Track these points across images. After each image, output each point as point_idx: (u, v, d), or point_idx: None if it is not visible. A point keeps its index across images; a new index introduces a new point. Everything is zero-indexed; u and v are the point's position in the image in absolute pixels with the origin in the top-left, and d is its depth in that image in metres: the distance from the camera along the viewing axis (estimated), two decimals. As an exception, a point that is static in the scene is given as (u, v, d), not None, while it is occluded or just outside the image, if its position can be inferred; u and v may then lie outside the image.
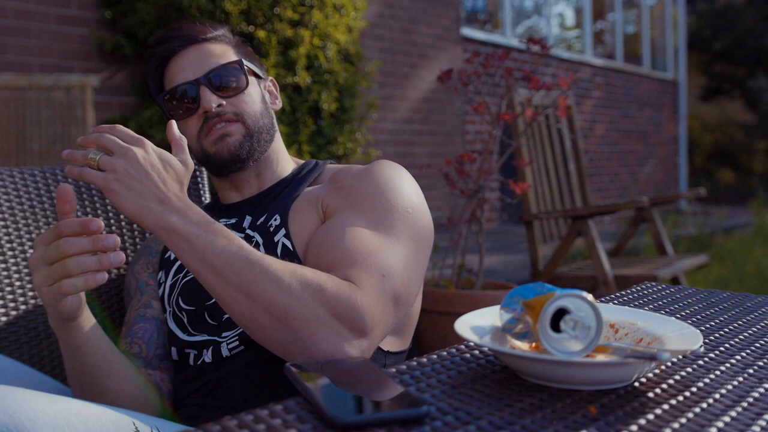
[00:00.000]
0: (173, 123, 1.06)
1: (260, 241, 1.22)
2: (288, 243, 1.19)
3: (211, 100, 1.23)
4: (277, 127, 1.35)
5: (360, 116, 4.55)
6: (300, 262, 1.16)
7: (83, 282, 0.95)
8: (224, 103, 1.24)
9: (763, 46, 13.82)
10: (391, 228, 1.13)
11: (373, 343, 1.03)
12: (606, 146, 9.08)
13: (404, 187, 1.20)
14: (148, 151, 1.00)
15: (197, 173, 1.63)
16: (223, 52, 1.29)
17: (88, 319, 1.07)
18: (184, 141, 1.06)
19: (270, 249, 1.20)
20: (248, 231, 1.25)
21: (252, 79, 1.30)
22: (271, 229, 1.22)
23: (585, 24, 9.10)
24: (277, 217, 1.22)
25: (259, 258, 1.00)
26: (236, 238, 1.02)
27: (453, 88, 2.94)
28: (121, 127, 1.02)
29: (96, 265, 0.95)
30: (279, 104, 1.38)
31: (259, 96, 1.31)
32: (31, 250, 1.43)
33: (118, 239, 0.96)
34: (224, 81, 1.26)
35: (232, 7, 3.77)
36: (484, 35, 7.36)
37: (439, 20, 6.70)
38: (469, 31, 7.08)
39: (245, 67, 1.29)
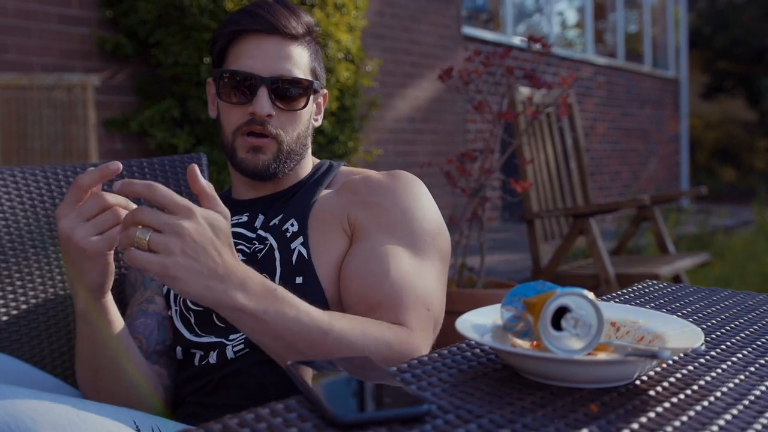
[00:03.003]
0: (196, 172, 0.91)
1: (275, 245, 1.20)
2: (304, 252, 1.18)
3: (264, 107, 1.20)
4: (309, 144, 1.31)
5: (361, 115, 4.55)
6: (313, 270, 1.16)
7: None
8: (273, 114, 1.21)
9: (764, 45, 13.80)
10: (426, 253, 1.15)
11: None
12: (607, 145, 9.08)
13: (429, 206, 1.22)
14: (199, 222, 0.88)
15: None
16: (300, 59, 1.24)
17: (111, 300, 1.07)
18: (212, 188, 0.93)
19: (285, 255, 1.19)
20: (260, 231, 1.24)
21: (310, 99, 1.27)
22: (288, 234, 1.21)
23: (586, 22, 9.09)
24: (294, 222, 1.21)
25: (329, 323, 0.97)
26: (301, 303, 0.97)
27: (454, 87, 2.94)
28: (161, 187, 0.88)
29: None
30: (320, 120, 1.35)
31: (308, 116, 1.28)
32: (32, 250, 1.43)
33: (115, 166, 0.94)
34: (286, 93, 1.22)
35: (234, 7, 3.77)
36: (485, 34, 7.35)
37: (441, 19, 6.69)
38: (470, 30, 7.07)
39: (311, 90, 1.25)
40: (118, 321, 1.10)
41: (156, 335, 1.26)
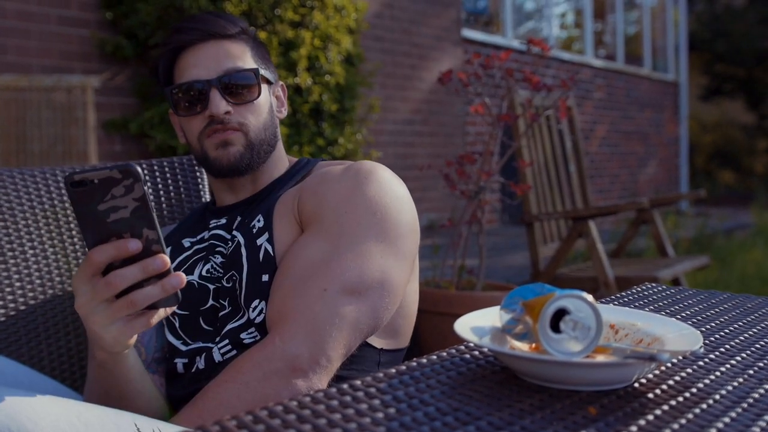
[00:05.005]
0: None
1: (242, 241, 1.21)
2: (270, 249, 1.17)
3: (220, 106, 1.21)
4: (279, 135, 1.33)
5: (361, 117, 4.55)
6: (277, 268, 1.16)
7: (163, 313, 0.90)
8: (231, 111, 1.23)
9: (763, 48, 13.80)
10: (346, 234, 1.12)
11: (326, 365, 1.05)
12: (607, 147, 9.08)
13: (371, 190, 1.17)
14: None
15: (197, 173, 1.62)
16: (241, 53, 1.26)
17: (132, 347, 1.07)
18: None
19: (251, 252, 1.18)
20: (234, 231, 1.24)
21: (264, 87, 1.28)
22: (254, 230, 1.21)
23: (586, 25, 9.10)
24: (260, 218, 1.21)
25: (201, 400, 1.05)
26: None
27: (453, 90, 2.94)
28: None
29: (160, 292, 0.86)
30: (284, 112, 1.36)
31: (267, 105, 1.29)
32: (31, 251, 1.43)
33: (167, 259, 0.85)
34: (236, 87, 1.23)
35: (233, 9, 3.77)
36: (484, 36, 7.35)
37: (440, 21, 6.70)
38: (469, 33, 7.08)
39: (260, 76, 1.26)
40: (136, 365, 1.10)
41: (154, 342, 1.26)
